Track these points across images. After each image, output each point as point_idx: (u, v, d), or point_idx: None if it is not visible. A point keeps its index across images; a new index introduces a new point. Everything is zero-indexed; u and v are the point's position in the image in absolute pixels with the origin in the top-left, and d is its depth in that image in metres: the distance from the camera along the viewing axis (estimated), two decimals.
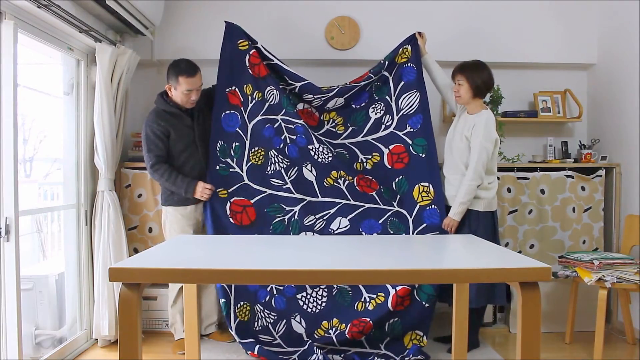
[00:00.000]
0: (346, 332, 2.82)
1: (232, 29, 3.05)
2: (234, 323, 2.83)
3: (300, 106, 3.12)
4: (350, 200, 3.01)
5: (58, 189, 3.36)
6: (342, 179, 3.03)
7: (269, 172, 2.99)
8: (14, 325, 2.33)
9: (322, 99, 3.07)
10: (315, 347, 2.75)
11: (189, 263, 1.84)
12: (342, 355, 2.77)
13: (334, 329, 2.83)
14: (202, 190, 2.89)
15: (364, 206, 2.99)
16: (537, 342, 1.63)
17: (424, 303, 2.84)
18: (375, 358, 2.75)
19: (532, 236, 3.43)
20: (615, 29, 3.49)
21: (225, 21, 3.05)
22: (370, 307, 2.83)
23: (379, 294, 2.83)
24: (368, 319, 2.82)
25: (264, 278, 1.80)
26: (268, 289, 2.89)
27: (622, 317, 3.22)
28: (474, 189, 2.82)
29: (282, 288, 2.88)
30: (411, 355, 2.78)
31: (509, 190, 3.40)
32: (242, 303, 2.88)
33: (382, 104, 3.11)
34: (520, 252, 3.36)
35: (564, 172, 3.45)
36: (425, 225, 2.92)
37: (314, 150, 3.03)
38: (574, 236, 3.43)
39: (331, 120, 3.14)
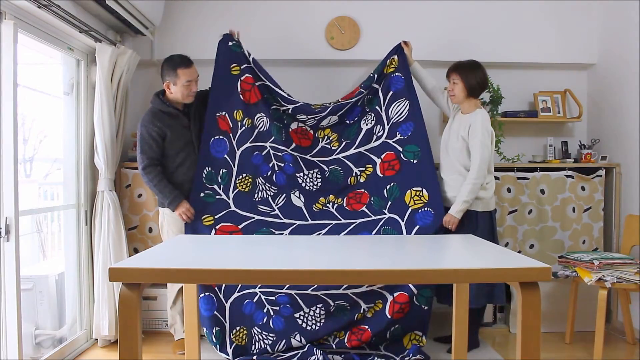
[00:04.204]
0: (345, 340, 2.82)
1: (224, 50, 3.01)
2: (231, 348, 2.82)
3: (294, 125, 3.11)
4: (340, 220, 3.01)
5: (58, 189, 3.36)
6: (331, 203, 3.05)
7: (257, 199, 2.98)
8: (14, 325, 2.33)
9: (316, 118, 3.06)
10: (314, 349, 2.75)
11: (189, 263, 1.84)
12: (342, 356, 2.77)
13: (333, 337, 2.84)
14: (186, 210, 2.86)
15: (355, 222, 3.00)
16: (537, 342, 1.63)
17: (423, 306, 2.84)
18: (375, 358, 2.75)
19: (532, 236, 3.43)
20: (615, 29, 3.49)
21: (219, 42, 3.02)
22: (369, 315, 2.83)
23: (377, 302, 2.83)
24: (367, 327, 2.82)
25: (264, 278, 1.80)
26: (264, 310, 2.85)
27: (622, 317, 3.22)
28: (478, 188, 2.82)
29: (278, 308, 2.84)
30: (411, 355, 2.78)
31: (508, 190, 3.40)
32: (238, 328, 2.85)
33: (373, 114, 3.10)
34: (520, 252, 3.36)
35: (564, 172, 3.45)
36: (418, 227, 2.88)
37: (301, 177, 3.05)
38: (574, 236, 3.43)
39: (326, 137, 3.13)
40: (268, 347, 2.81)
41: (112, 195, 3.11)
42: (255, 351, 2.82)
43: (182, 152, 2.94)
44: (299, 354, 2.75)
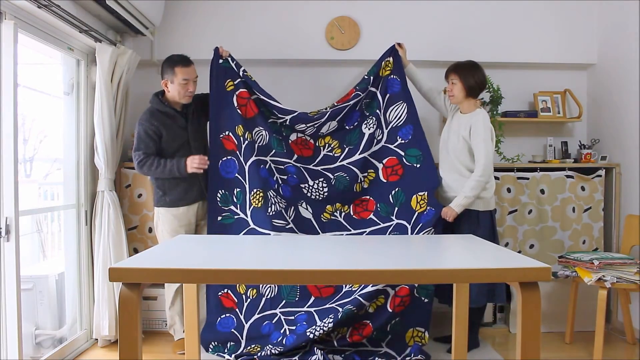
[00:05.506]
0: (347, 336, 2.83)
1: (216, 67, 3.01)
2: (237, 355, 2.82)
3: (293, 137, 3.10)
4: (351, 230, 3.02)
5: (58, 189, 3.37)
6: (338, 211, 3.06)
7: (270, 213, 2.94)
8: (14, 325, 2.33)
9: (315, 125, 3.04)
10: (315, 348, 2.75)
11: (189, 263, 1.84)
12: (343, 355, 2.77)
13: (335, 333, 2.84)
14: (192, 162, 2.83)
15: (365, 231, 3.01)
16: (537, 342, 1.63)
17: (423, 299, 2.86)
18: (376, 358, 2.75)
19: (532, 236, 3.43)
20: (615, 29, 3.49)
21: (212, 59, 3.03)
22: (371, 310, 2.84)
23: (379, 297, 2.83)
24: (368, 322, 2.83)
25: (264, 278, 1.80)
26: (282, 330, 2.84)
27: (622, 317, 3.22)
28: (482, 186, 2.81)
29: (294, 327, 2.83)
30: (412, 355, 2.78)
31: (508, 190, 3.40)
32: (253, 345, 2.85)
33: (374, 118, 3.09)
34: (520, 252, 3.36)
35: (563, 172, 3.45)
36: (421, 224, 2.90)
37: (306, 188, 3.06)
38: (574, 236, 3.43)
39: (327, 145, 3.11)
40: (272, 355, 2.81)
41: (112, 195, 3.11)
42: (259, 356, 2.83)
43: (178, 153, 2.94)
44: (300, 353, 2.75)
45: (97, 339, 3.11)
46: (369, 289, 2.78)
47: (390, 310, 2.82)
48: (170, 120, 2.93)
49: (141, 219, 3.36)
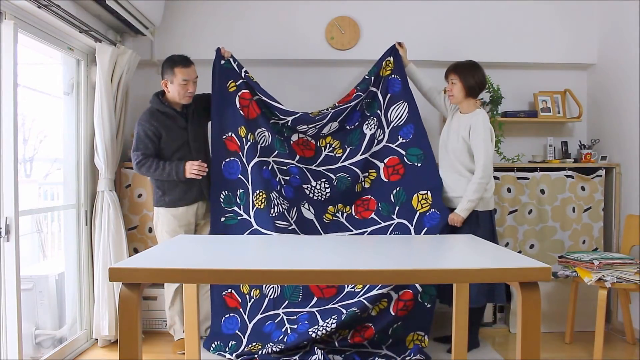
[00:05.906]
0: (349, 337, 2.83)
1: (218, 68, 3.02)
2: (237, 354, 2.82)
3: (294, 137, 3.10)
4: (353, 230, 3.03)
5: (58, 189, 3.37)
6: (340, 212, 3.07)
7: (273, 215, 2.94)
8: (14, 325, 2.33)
9: (317, 126, 3.04)
10: (315, 347, 2.75)
11: (189, 263, 1.84)
12: (343, 356, 2.77)
13: (336, 334, 2.84)
14: (190, 167, 2.86)
15: (367, 230, 3.01)
16: (537, 342, 1.63)
17: (426, 304, 2.86)
18: (377, 358, 2.75)
19: (532, 236, 3.43)
20: (615, 29, 3.49)
21: (214, 60, 3.03)
22: (374, 313, 2.84)
23: (382, 300, 2.83)
24: (370, 324, 2.83)
25: (264, 278, 1.80)
26: (283, 329, 2.84)
27: (622, 317, 3.22)
28: (484, 188, 2.81)
29: (295, 327, 2.82)
30: (412, 355, 2.78)
31: (509, 190, 3.40)
32: (254, 344, 2.85)
33: (375, 118, 3.10)
34: (520, 252, 3.36)
35: (564, 172, 3.45)
36: (426, 229, 2.89)
37: (309, 189, 3.06)
38: (574, 236, 3.43)
39: (328, 145, 3.12)
40: (273, 354, 2.81)
41: (112, 195, 3.11)
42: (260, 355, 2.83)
43: (178, 153, 2.95)
44: (300, 353, 2.75)
45: (97, 339, 3.11)
46: (374, 292, 2.77)
47: (393, 314, 2.82)
48: (170, 121, 2.93)
49: (141, 219, 3.36)
